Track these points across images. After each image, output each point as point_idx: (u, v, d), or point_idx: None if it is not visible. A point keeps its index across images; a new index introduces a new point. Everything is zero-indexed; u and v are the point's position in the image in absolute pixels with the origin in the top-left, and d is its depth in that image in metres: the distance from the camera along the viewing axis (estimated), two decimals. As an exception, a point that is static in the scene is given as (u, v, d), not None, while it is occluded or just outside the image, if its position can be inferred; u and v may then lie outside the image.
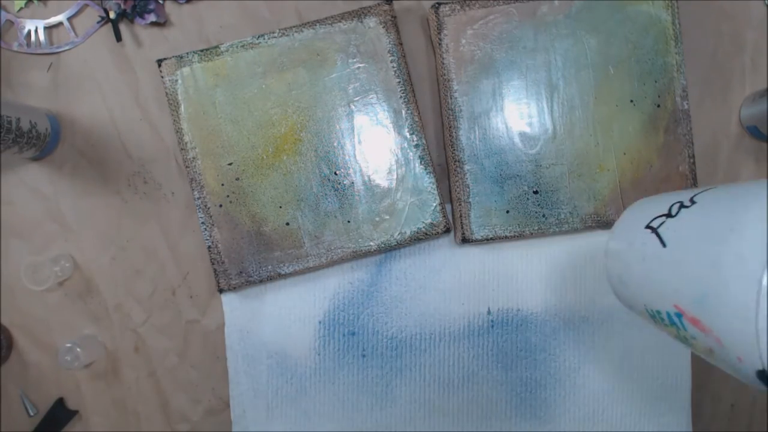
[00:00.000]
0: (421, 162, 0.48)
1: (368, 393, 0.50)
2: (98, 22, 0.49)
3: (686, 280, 0.21)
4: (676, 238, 0.22)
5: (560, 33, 0.47)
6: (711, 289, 0.20)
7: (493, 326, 0.50)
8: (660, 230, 0.23)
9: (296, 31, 0.47)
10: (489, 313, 0.50)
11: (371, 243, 0.48)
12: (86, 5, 0.50)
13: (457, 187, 0.48)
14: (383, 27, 0.47)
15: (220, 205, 0.48)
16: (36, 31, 0.50)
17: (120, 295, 0.51)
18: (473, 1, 0.47)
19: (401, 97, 0.48)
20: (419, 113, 0.48)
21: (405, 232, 0.48)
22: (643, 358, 0.50)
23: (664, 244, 0.22)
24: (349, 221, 0.48)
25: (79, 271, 0.50)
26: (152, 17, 0.48)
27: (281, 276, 0.48)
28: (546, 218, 0.48)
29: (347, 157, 0.48)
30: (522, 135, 0.48)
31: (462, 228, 0.47)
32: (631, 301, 0.27)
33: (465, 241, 0.47)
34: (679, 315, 0.22)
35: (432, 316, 0.50)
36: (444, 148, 0.50)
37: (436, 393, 0.50)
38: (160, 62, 0.47)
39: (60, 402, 0.51)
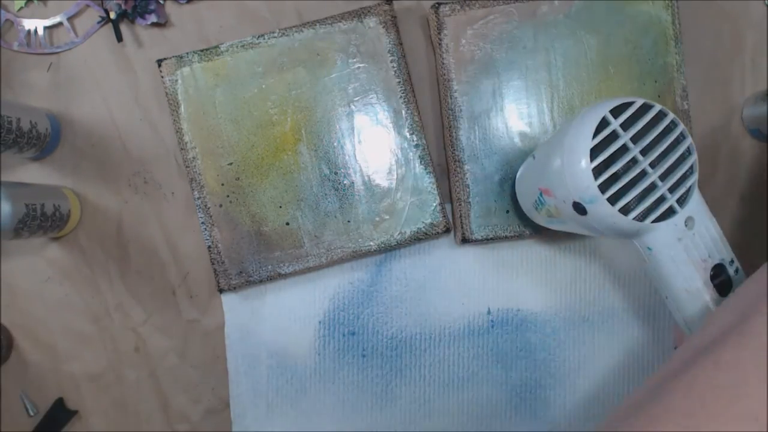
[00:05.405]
0: (421, 162, 0.48)
1: (368, 393, 0.50)
2: (98, 22, 0.49)
3: (543, 172, 0.39)
4: (539, 153, 0.41)
5: (560, 33, 0.47)
6: (552, 170, 0.37)
7: (493, 326, 0.50)
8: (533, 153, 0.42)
9: (296, 31, 0.47)
10: (489, 313, 0.50)
11: (371, 243, 0.48)
12: (86, 5, 0.50)
13: (457, 187, 0.48)
14: (383, 27, 0.47)
15: (220, 205, 0.48)
16: (36, 31, 0.50)
17: (120, 295, 0.51)
18: (473, 1, 0.47)
19: (401, 97, 0.48)
20: (419, 113, 0.48)
21: (405, 232, 0.48)
22: (643, 358, 0.50)
23: (534, 158, 0.42)
24: (349, 221, 0.48)
25: (80, 270, 0.50)
26: (153, 18, 0.48)
27: (281, 276, 0.48)
28: (546, 218, 0.48)
29: (347, 157, 0.48)
30: (522, 135, 0.48)
31: (462, 228, 0.47)
32: (526, 201, 0.44)
33: (465, 241, 0.47)
34: (541, 193, 0.40)
35: (432, 316, 0.50)
36: (444, 148, 0.50)
37: (436, 393, 0.50)
38: (160, 62, 0.47)
39: (60, 402, 0.51)
